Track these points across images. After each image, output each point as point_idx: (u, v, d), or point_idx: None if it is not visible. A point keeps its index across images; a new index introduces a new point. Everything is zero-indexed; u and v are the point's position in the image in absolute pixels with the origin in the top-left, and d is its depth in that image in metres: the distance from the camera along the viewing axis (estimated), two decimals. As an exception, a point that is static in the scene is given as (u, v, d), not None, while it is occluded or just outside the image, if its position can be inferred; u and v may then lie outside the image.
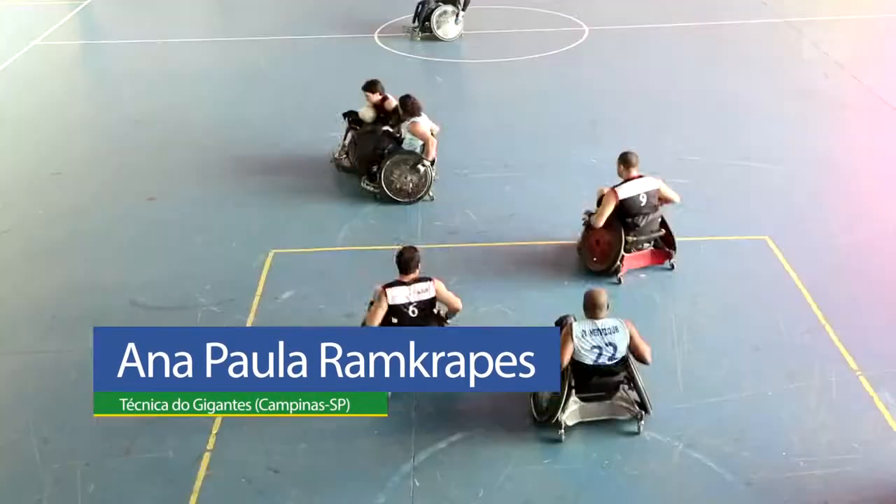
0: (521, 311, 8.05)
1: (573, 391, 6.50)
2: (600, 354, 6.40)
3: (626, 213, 8.34)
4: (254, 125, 12.46)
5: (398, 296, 6.93)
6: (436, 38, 15.76)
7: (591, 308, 6.50)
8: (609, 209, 8.30)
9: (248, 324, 7.97)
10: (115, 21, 18.63)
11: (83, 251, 9.38)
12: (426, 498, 6.10)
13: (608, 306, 6.52)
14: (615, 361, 6.46)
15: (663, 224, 8.62)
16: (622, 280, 8.45)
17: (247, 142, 11.92)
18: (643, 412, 6.54)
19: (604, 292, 6.57)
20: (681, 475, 6.21)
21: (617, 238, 8.38)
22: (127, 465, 6.47)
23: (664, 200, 8.56)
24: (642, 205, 8.35)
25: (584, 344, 6.38)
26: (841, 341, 7.50)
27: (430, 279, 7.05)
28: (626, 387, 6.58)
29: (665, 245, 8.67)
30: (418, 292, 6.94)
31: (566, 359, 6.32)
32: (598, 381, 6.52)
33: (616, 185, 8.40)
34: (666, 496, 6.04)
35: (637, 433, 6.55)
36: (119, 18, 18.72)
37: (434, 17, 15.80)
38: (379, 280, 7.95)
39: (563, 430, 6.49)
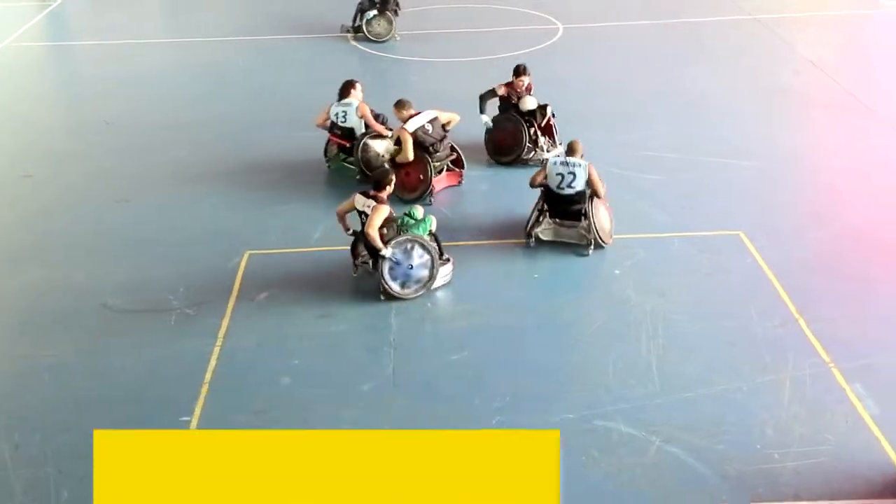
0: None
1: (546, 213, 8.94)
2: (562, 180, 8.73)
3: (421, 144, 9.85)
4: (224, 126, 12.40)
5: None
6: (376, 39, 15.78)
7: (569, 150, 8.98)
8: (409, 144, 9.75)
9: (223, 327, 7.92)
10: (84, 22, 18.49)
11: (54, 253, 9.29)
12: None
13: (581, 154, 8.92)
14: (574, 191, 8.78)
15: (454, 149, 10.37)
16: (433, 201, 9.83)
17: (218, 142, 11.86)
18: (596, 242, 8.82)
19: (580, 142, 9.00)
20: (657, 470, 6.23)
21: (423, 167, 9.84)
22: (101, 470, 6.39)
23: (445, 124, 10.22)
24: (430, 132, 9.97)
25: (554, 171, 8.84)
26: (814, 334, 7.56)
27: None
28: (584, 221, 8.85)
29: (456, 167, 10.42)
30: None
31: (539, 179, 8.95)
32: (563, 207, 8.90)
33: (403, 125, 9.88)
34: (643, 491, 6.05)
35: (587, 255, 8.76)
36: (88, 19, 18.57)
37: (366, 18, 15.83)
38: (355, 280, 8.00)
39: (533, 241, 8.95)
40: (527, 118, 10.69)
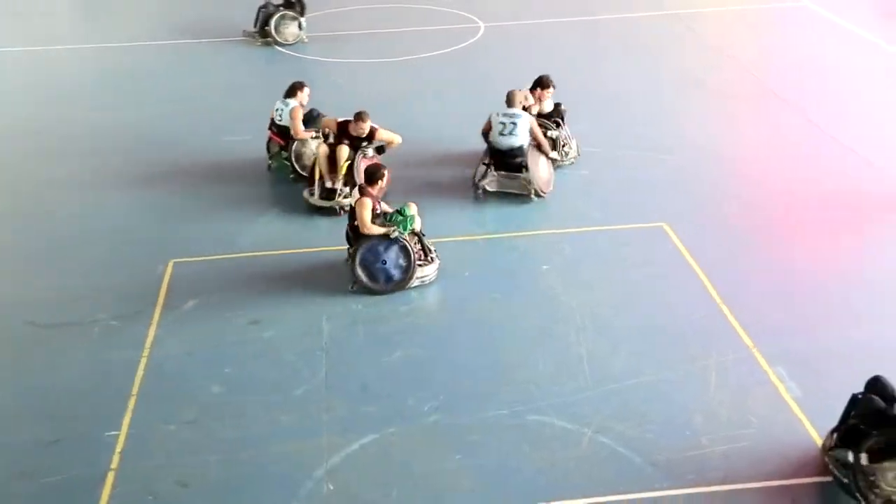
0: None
1: (491, 167, 9.84)
2: (504, 128, 9.67)
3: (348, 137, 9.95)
4: (146, 131, 12.17)
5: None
6: (284, 42, 15.59)
7: (507, 102, 9.91)
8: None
9: (150, 337, 7.78)
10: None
11: (-29, 270, 9.01)
12: (340, 501, 6.07)
13: (520, 104, 9.94)
14: (516, 145, 9.69)
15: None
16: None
17: (140, 149, 11.64)
18: (536, 192, 9.80)
19: (517, 93, 9.98)
20: (590, 461, 6.33)
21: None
22: (30, 489, 6.23)
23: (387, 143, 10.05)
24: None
25: (497, 121, 9.75)
26: (737, 321, 7.76)
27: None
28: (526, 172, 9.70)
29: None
30: None
31: (485, 128, 9.86)
32: (506, 160, 9.77)
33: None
34: (576, 483, 6.14)
35: (531, 200, 9.72)
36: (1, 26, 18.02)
37: (273, 22, 15.57)
38: (285, 285, 7.92)
39: (482, 192, 9.88)
40: (541, 121, 10.39)
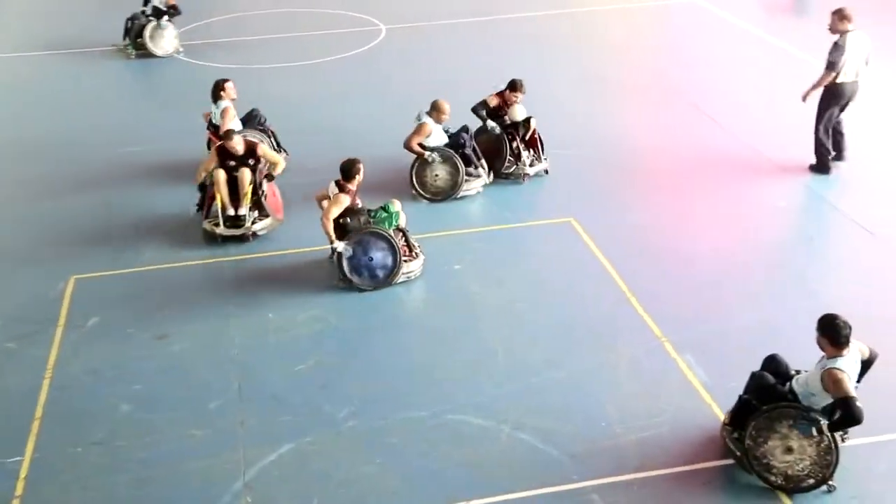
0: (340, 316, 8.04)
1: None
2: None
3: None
4: (39, 146, 11.74)
5: None
6: (159, 52, 15.16)
7: (433, 108, 10.03)
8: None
9: (52, 358, 7.49)
10: None
11: None
12: (259, 514, 5.96)
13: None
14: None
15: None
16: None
17: (33, 163, 11.23)
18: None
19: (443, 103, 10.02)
20: (509, 457, 6.36)
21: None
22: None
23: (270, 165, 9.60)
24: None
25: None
26: (646, 311, 7.92)
27: None
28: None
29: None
30: None
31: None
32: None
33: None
34: (496, 480, 6.16)
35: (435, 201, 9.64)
36: None
37: (147, 32, 15.13)
38: (191, 297, 7.70)
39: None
40: (509, 130, 10.29)
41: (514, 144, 10.25)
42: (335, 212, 8.19)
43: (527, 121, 10.33)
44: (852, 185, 10.18)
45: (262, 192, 9.34)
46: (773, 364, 6.28)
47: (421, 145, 9.83)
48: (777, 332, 7.48)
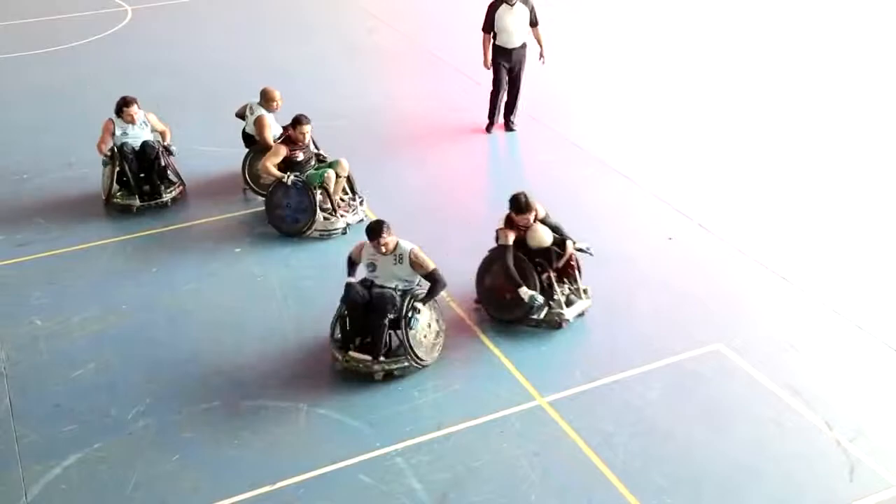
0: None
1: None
2: None
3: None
4: None
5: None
6: None
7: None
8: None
9: None
10: None
11: None
12: (50, 533, 5.58)
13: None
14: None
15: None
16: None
17: None
18: None
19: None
20: (311, 433, 6.33)
21: None
22: None
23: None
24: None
25: None
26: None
27: None
28: None
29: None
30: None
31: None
32: None
33: None
34: (302, 459, 6.09)
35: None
36: None
37: None
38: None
39: None
40: (538, 259, 7.40)
41: (545, 276, 7.39)
42: (272, 160, 8.68)
43: (561, 244, 7.45)
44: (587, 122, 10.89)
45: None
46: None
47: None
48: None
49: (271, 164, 8.69)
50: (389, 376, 6.74)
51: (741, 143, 10.63)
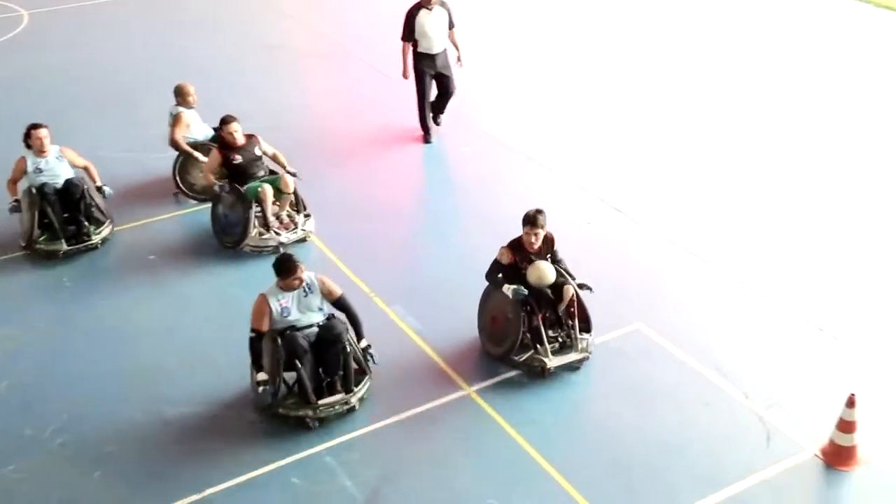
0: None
1: None
2: None
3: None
4: None
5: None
6: None
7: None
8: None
9: None
10: None
11: None
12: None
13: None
14: None
15: None
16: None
17: None
18: None
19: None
20: (239, 440, 6.22)
21: None
22: None
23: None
24: None
25: None
26: (351, 271, 8.02)
27: None
28: None
29: None
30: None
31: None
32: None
33: None
34: (228, 466, 5.98)
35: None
36: None
37: None
38: None
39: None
40: (529, 300, 6.71)
41: (534, 319, 6.68)
42: (210, 166, 8.48)
43: (560, 287, 6.81)
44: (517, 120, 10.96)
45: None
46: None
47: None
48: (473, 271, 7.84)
49: (209, 169, 8.47)
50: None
51: (651, 133, 10.80)
